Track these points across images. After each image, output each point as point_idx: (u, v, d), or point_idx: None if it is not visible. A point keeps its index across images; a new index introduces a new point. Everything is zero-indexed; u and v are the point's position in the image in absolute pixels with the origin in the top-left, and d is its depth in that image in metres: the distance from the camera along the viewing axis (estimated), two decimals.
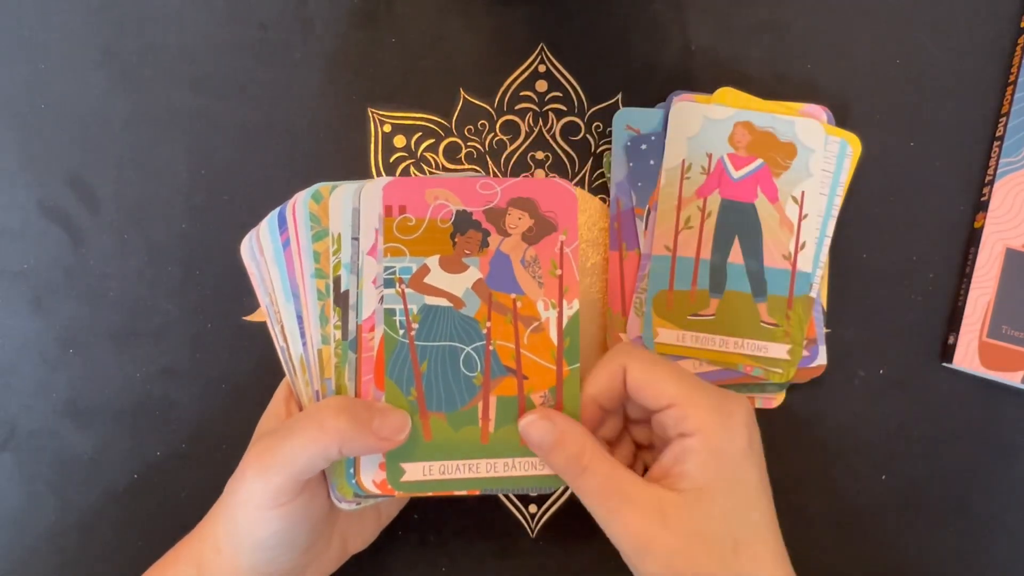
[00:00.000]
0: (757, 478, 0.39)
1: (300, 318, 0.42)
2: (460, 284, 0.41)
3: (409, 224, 0.40)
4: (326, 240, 0.41)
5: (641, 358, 0.40)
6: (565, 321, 0.41)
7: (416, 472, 0.40)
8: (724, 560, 0.37)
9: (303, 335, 0.42)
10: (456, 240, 0.41)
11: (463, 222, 0.41)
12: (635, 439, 0.44)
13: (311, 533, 0.41)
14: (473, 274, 0.41)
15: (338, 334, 0.41)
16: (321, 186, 0.42)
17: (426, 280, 0.40)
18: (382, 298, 0.40)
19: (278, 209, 0.42)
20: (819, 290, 0.50)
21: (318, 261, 0.41)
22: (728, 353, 0.48)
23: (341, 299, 0.41)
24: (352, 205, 0.41)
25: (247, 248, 0.43)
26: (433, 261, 0.41)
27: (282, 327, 0.42)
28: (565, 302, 0.41)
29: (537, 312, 0.41)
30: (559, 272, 0.41)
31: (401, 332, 0.40)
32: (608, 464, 0.39)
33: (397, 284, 0.40)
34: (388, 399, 0.40)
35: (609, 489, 0.38)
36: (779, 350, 0.48)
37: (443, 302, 0.41)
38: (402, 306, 0.40)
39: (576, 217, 0.41)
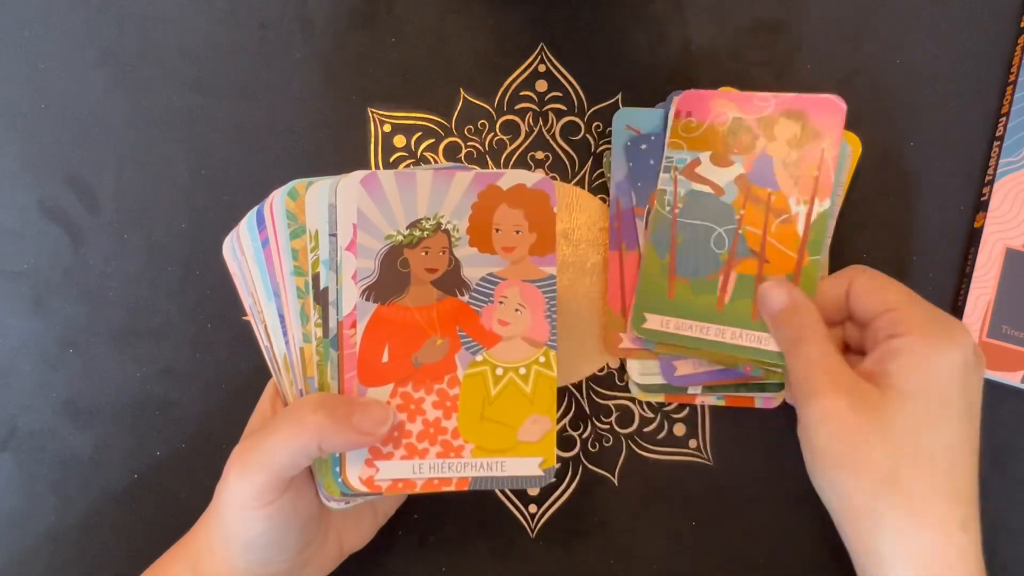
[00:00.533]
0: (962, 402, 0.39)
1: (282, 317, 0.42)
2: (724, 176, 0.47)
3: (692, 126, 0.47)
4: (304, 237, 0.41)
5: (871, 271, 0.42)
6: (814, 216, 0.46)
7: (656, 322, 0.46)
8: (897, 461, 0.38)
9: (285, 334, 0.42)
10: (728, 140, 0.47)
11: (737, 127, 0.47)
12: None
13: (302, 532, 0.41)
14: (737, 169, 0.46)
15: (319, 332, 0.41)
16: (297, 183, 0.41)
17: (697, 170, 0.47)
18: (663, 177, 0.47)
19: (256, 208, 0.42)
20: None
21: (296, 259, 0.41)
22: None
23: (321, 296, 0.41)
24: (328, 201, 0.40)
25: (229, 248, 0.43)
26: (705, 155, 0.47)
27: (265, 326, 0.42)
28: (817, 199, 0.46)
29: (788, 206, 0.46)
30: (816, 174, 0.46)
31: (667, 209, 0.47)
32: (827, 344, 0.40)
33: (672, 171, 0.47)
34: (645, 261, 0.47)
35: (820, 364, 0.40)
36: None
37: (707, 189, 0.47)
38: (672, 188, 0.47)
39: (841, 129, 0.47)
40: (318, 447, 0.38)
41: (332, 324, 0.40)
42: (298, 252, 0.41)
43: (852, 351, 0.45)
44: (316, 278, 0.41)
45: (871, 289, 0.41)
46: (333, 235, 0.40)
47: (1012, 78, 0.51)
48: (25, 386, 0.50)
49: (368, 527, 0.47)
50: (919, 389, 0.38)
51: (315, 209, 0.41)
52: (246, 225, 0.42)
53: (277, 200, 0.41)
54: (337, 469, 0.40)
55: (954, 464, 0.39)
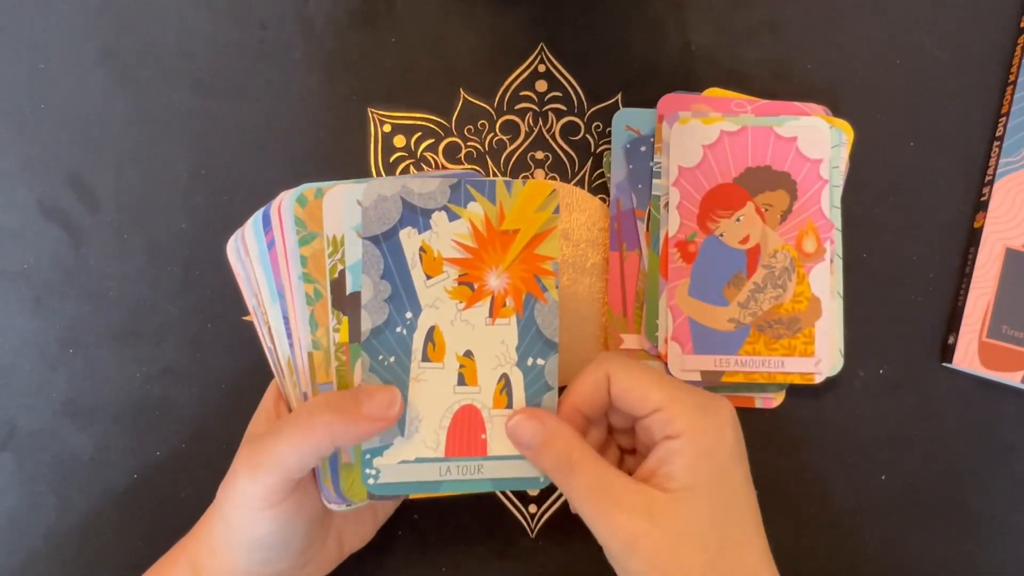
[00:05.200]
0: (742, 477, 0.39)
1: (287, 319, 0.42)
2: None
3: None
4: (313, 244, 0.41)
5: (625, 366, 0.40)
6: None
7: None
8: (711, 558, 0.37)
9: (290, 336, 0.42)
10: None
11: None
12: (619, 444, 0.44)
13: (306, 533, 0.41)
14: None
15: (337, 337, 0.41)
16: (305, 189, 0.41)
17: None
18: (655, 184, 0.44)
19: (262, 209, 0.42)
20: None
21: (305, 265, 0.41)
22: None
23: (349, 301, 0.41)
24: (366, 203, 0.40)
25: (233, 249, 0.43)
26: None
27: (269, 328, 0.42)
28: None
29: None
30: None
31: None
32: (596, 463, 0.39)
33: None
34: None
35: (598, 488, 0.38)
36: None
37: None
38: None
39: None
40: (331, 445, 0.38)
41: (366, 327, 0.40)
42: (307, 259, 0.41)
43: (618, 430, 0.44)
44: (338, 283, 0.41)
45: (630, 390, 0.39)
46: (387, 235, 0.40)
47: (1012, 78, 0.51)
48: (25, 386, 0.50)
49: (368, 528, 0.47)
50: (702, 483, 0.38)
51: (337, 214, 0.41)
52: (251, 226, 0.42)
53: (285, 203, 0.41)
54: (368, 471, 0.40)
55: (755, 528, 0.39)
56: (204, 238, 0.51)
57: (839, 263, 0.50)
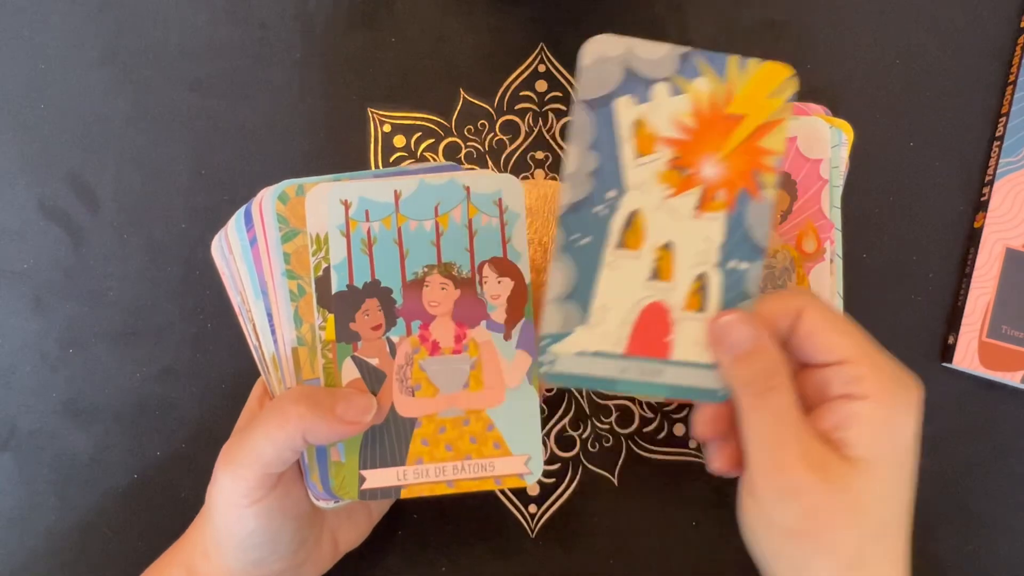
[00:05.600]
0: (913, 468, 0.37)
1: (270, 315, 0.42)
2: None
3: None
4: (296, 240, 0.41)
5: (821, 305, 0.36)
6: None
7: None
8: (863, 543, 0.35)
9: (274, 332, 0.42)
10: None
11: None
12: None
13: (295, 531, 0.41)
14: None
15: (323, 334, 0.41)
16: (287, 186, 0.41)
17: None
18: None
19: (244, 207, 0.42)
20: None
21: (288, 262, 0.41)
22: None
23: (335, 300, 0.41)
24: (585, 61, 0.36)
25: (217, 247, 0.43)
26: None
27: (254, 325, 0.42)
28: None
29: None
30: None
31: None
32: (793, 396, 0.35)
33: None
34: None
35: (785, 421, 0.35)
36: None
37: None
38: None
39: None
40: (303, 438, 0.38)
41: (566, 200, 0.37)
42: (290, 255, 0.41)
43: None
44: (323, 281, 0.41)
45: (823, 331, 0.36)
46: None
47: (1012, 78, 0.51)
48: (25, 386, 0.50)
49: (363, 525, 0.47)
50: (881, 460, 0.35)
51: (321, 212, 0.41)
52: (234, 224, 0.42)
53: (266, 200, 0.41)
54: (543, 358, 0.37)
55: (904, 529, 0.37)
56: (204, 238, 0.51)
57: (839, 263, 0.50)
